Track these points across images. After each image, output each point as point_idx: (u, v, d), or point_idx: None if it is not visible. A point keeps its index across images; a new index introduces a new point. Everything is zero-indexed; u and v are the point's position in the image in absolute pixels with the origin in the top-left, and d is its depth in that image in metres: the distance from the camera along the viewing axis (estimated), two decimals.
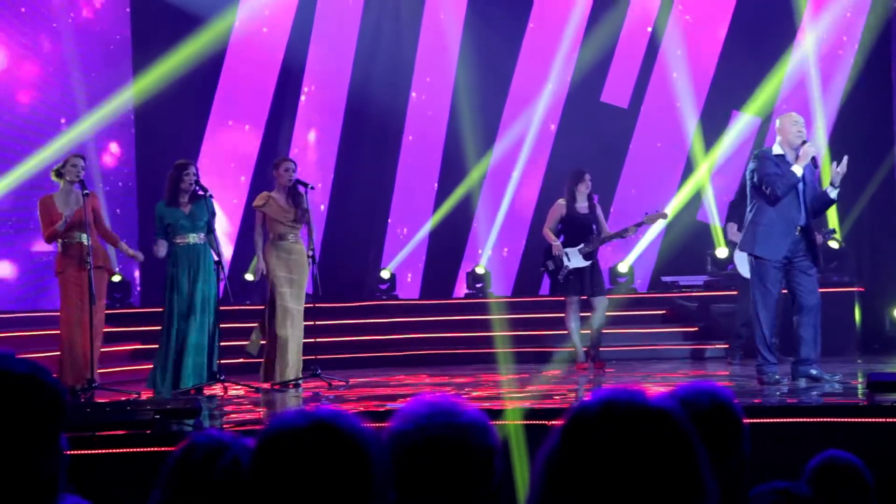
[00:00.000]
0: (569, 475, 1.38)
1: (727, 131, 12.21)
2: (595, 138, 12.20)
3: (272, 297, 8.42)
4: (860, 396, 6.52)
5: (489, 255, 12.62)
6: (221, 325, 8.28)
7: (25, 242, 10.72)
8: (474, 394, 7.45)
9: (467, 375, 9.08)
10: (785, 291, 7.34)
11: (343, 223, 12.72)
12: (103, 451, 5.30)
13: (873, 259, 11.42)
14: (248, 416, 6.79)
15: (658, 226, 10.94)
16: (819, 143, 11.00)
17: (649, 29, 12.61)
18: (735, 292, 9.75)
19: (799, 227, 7.15)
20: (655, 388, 6.83)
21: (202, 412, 5.84)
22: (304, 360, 8.47)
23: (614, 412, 1.40)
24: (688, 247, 11.89)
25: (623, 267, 11.84)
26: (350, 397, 7.43)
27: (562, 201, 9.35)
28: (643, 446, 1.37)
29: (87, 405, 6.74)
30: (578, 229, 9.29)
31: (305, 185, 8.46)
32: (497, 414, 5.60)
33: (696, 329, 10.79)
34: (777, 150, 7.18)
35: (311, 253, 8.38)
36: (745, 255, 9.17)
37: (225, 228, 12.08)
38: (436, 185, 12.94)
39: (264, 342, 8.52)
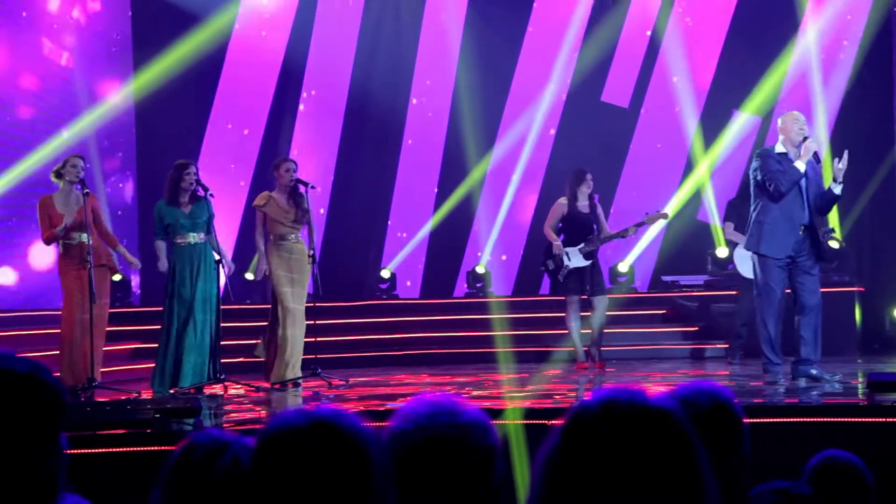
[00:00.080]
0: (569, 475, 1.38)
1: (727, 130, 12.21)
2: (595, 138, 12.20)
3: (274, 297, 8.43)
4: (860, 396, 6.52)
5: (489, 255, 12.61)
6: (222, 325, 8.28)
7: (27, 243, 10.72)
8: (474, 393, 7.45)
9: (468, 375, 9.08)
10: (788, 291, 7.34)
11: (343, 223, 12.72)
12: (103, 450, 5.30)
13: (874, 259, 11.42)
14: (249, 416, 6.79)
15: (658, 225, 10.94)
16: (820, 139, 11.00)
17: (648, 32, 12.61)
18: (735, 292, 9.75)
19: (803, 226, 7.16)
20: (655, 388, 6.84)
21: (202, 411, 5.84)
22: (304, 360, 8.48)
23: (614, 412, 1.40)
24: (688, 246, 11.89)
25: (623, 266, 11.84)
26: (350, 396, 7.43)
27: (563, 200, 9.35)
28: (643, 446, 1.37)
29: (87, 404, 6.74)
30: (579, 229, 9.29)
31: (306, 184, 8.45)
32: (497, 413, 5.60)
33: (697, 329, 10.79)
34: (780, 148, 7.21)
35: (311, 252, 8.39)
36: (745, 254, 9.19)
37: (222, 229, 12.08)
38: (436, 184, 12.94)
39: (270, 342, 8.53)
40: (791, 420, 5.58)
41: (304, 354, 8.46)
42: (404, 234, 12.92)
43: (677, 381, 7.94)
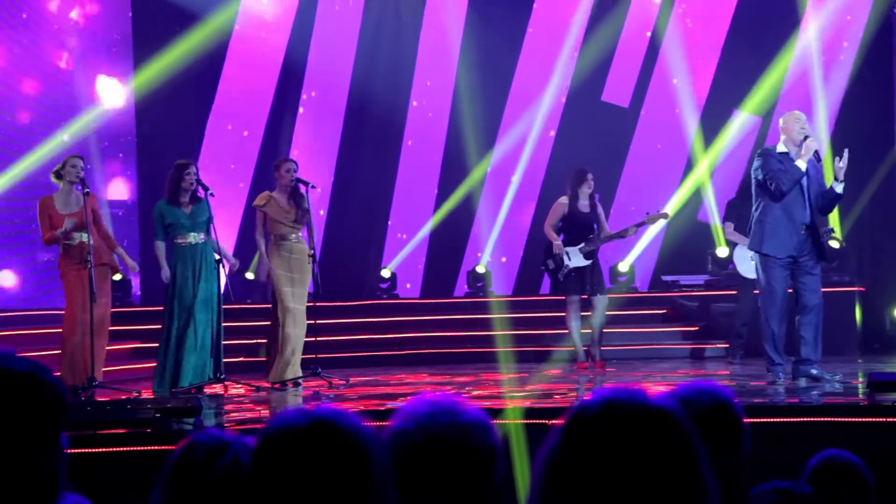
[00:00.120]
0: (569, 475, 1.38)
1: (727, 130, 12.21)
2: (596, 138, 12.20)
3: (274, 296, 8.43)
4: (861, 396, 6.52)
5: (489, 255, 12.61)
6: (223, 324, 8.27)
7: (30, 243, 10.72)
8: (475, 393, 7.45)
9: (468, 374, 9.08)
10: (790, 291, 7.34)
11: (343, 223, 12.71)
12: (104, 449, 5.30)
13: (874, 258, 11.42)
14: (249, 415, 6.79)
15: (658, 225, 10.94)
16: (821, 138, 11.00)
17: (648, 33, 12.61)
18: (735, 292, 9.75)
19: (805, 226, 7.16)
20: (656, 388, 6.84)
21: (203, 411, 5.84)
22: (304, 359, 8.48)
23: (615, 411, 1.40)
24: (688, 246, 11.89)
25: (623, 266, 11.84)
26: (350, 396, 7.43)
27: (564, 199, 9.35)
28: (643, 446, 1.37)
29: (87, 404, 6.74)
30: (579, 228, 9.29)
31: (307, 183, 8.45)
32: (497, 413, 5.60)
33: (697, 328, 10.79)
34: (781, 147, 7.22)
35: (311, 252, 8.39)
36: (744, 254, 9.21)
37: (222, 229, 12.08)
38: (436, 184, 12.93)
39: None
40: (791, 420, 5.58)
41: (304, 354, 8.46)
42: (404, 236, 12.92)
43: (677, 380, 7.94)
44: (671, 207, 11.66)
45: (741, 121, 12.22)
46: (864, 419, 5.51)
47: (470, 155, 12.48)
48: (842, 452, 2.97)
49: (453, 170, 12.69)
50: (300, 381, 8.39)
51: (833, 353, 8.72)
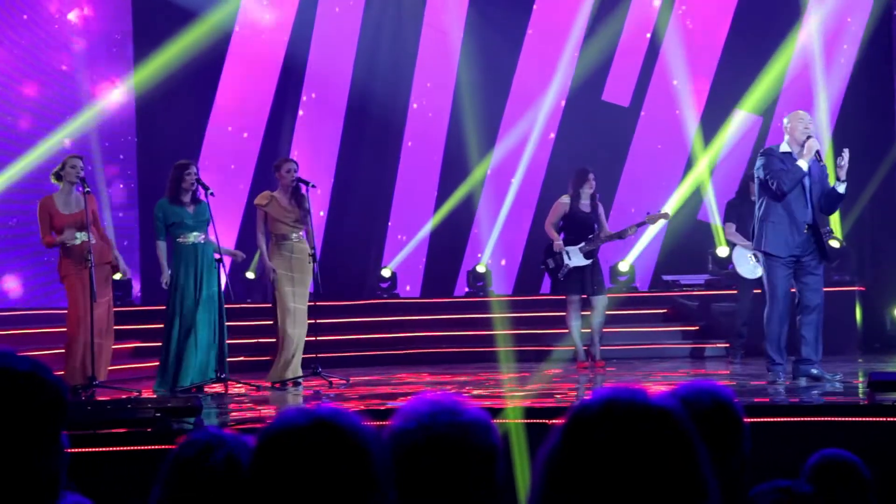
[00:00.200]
0: (570, 474, 1.38)
1: (728, 129, 12.20)
2: (596, 137, 12.21)
3: (275, 296, 8.44)
4: (861, 396, 6.52)
5: (489, 257, 12.60)
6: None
7: (33, 243, 10.71)
8: (475, 392, 7.45)
9: (468, 374, 9.08)
10: (792, 290, 7.35)
11: (344, 223, 12.71)
12: (104, 449, 5.30)
13: (874, 258, 11.42)
14: (250, 415, 6.79)
15: (659, 224, 10.94)
16: (822, 137, 11.00)
17: (648, 35, 12.61)
18: (735, 291, 9.75)
19: (807, 225, 7.16)
20: (656, 387, 6.84)
21: (203, 410, 5.84)
22: (304, 359, 8.48)
23: (615, 411, 1.40)
24: (688, 246, 11.89)
25: (624, 266, 11.84)
26: (351, 396, 7.43)
27: (565, 198, 9.34)
28: (644, 445, 1.37)
29: (88, 403, 6.74)
30: (580, 227, 9.29)
31: (307, 183, 8.45)
32: (498, 412, 5.60)
33: (697, 328, 10.79)
34: (785, 147, 7.22)
35: (311, 252, 8.39)
36: (744, 254, 9.22)
37: (222, 230, 12.07)
38: (437, 184, 12.93)
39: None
40: (792, 419, 5.58)
41: (304, 353, 8.46)
42: (404, 237, 12.92)
43: (678, 380, 7.94)
44: (671, 207, 11.66)
45: (741, 119, 12.22)
46: (864, 419, 5.51)
47: (470, 155, 12.48)
48: (840, 451, 2.97)
49: (453, 170, 12.68)
50: (300, 380, 8.40)
51: (833, 352, 8.72)
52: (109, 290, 8.23)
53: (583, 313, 9.30)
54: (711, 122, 12.28)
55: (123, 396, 7.34)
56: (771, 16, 12.04)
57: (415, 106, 12.93)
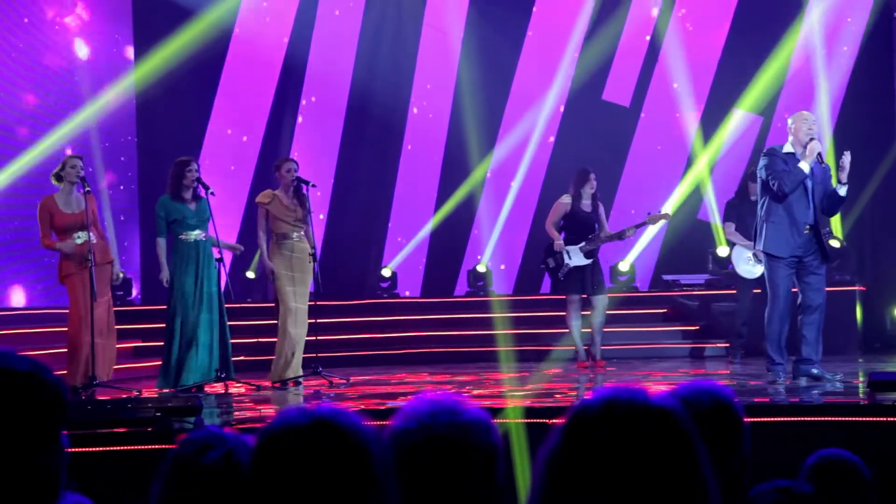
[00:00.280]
0: (570, 474, 1.38)
1: (727, 129, 12.21)
2: (596, 137, 12.21)
3: (276, 295, 8.44)
4: (861, 395, 6.52)
5: (489, 257, 12.60)
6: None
7: (35, 246, 10.71)
8: (475, 392, 7.45)
9: (468, 374, 9.08)
10: (793, 290, 7.35)
11: (344, 223, 12.72)
12: (104, 448, 5.30)
13: (874, 258, 11.42)
14: (250, 414, 6.79)
15: (659, 224, 10.93)
16: (824, 137, 11.00)
17: (647, 37, 12.61)
18: (735, 291, 9.75)
19: (808, 226, 7.16)
20: (656, 387, 6.84)
21: (203, 410, 5.84)
22: (304, 358, 8.48)
23: (615, 411, 1.40)
24: (689, 245, 11.90)
25: (624, 265, 11.84)
26: (351, 395, 7.43)
27: (566, 198, 9.34)
28: (644, 445, 1.37)
29: (88, 403, 6.74)
30: (581, 227, 9.29)
31: (307, 182, 8.46)
32: (498, 412, 5.60)
33: (697, 328, 10.79)
34: (788, 148, 7.22)
35: (312, 251, 8.39)
36: (743, 255, 9.22)
37: (222, 230, 12.07)
38: (437, 185, 12.93)
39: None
40: (792, 419, 5.58)
41: (305, 353, 8.47)
42: (402, 239, 12.91)
43: (678, 380, 7.94)
44: (671, 206, 11.66)
45: (741, 119, 12.22)
46: (864, 419, 5.51)
47: (471, 155, 12.48)
48: (840, 451, 2.97)
49: (454, 170, 12.69)
50: (301, 380, 8.40)
51: (834, 352, 8.73)
52: (109, 290, 8.23)
53: (583, 313, 9.30)
54: (711, 122, 12.28)
55: (123, 396, 7.35)
56: (771, 15, 12.04)
57: (415, 111, 12.92)
